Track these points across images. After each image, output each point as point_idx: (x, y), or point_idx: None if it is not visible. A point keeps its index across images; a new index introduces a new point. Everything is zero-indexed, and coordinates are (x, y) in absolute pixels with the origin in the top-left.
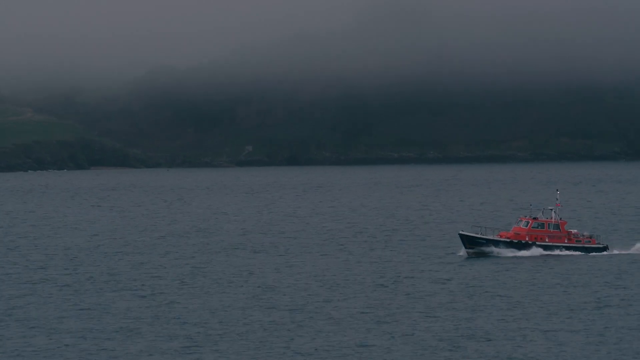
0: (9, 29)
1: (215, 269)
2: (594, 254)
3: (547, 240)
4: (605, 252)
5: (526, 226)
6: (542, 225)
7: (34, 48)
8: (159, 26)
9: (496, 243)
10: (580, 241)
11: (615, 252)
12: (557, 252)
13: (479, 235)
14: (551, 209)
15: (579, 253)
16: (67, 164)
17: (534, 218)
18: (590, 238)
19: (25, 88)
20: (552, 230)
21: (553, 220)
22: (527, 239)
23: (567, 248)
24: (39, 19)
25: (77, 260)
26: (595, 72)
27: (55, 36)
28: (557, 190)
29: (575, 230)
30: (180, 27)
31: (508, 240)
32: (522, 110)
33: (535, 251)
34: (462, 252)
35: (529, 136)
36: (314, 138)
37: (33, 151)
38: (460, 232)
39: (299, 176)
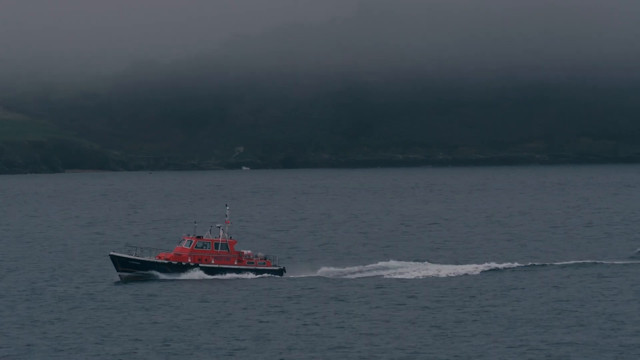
0: None
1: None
2: (268, 276)
3: (213, 261)
4: (282, 275)
5: (189, 246)
6: (207, 244)
7: (3, 40)
8: (142, 16)
9: (152, 265)
10: (253, 263)
11: (296, 275)
12: (224, 275)
13: (133, 257)
14: (219, 227)
15: (251, 276)
16: (41, 167)
17: (198, 237)
18: (265, 260)
19: None
20: (219, 250)
21: (221, 239)
22: (189, 260)
23: (237, 270)
24: (9, 9)
25: None
26: (619, 68)
27: (28, 27)
28: (226, 205)
29: (249, 251)
30: (165, 17)
31: (166, 262)
32: (538, 108)
33: (198, 274)
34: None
35: (546, 136)
36: (311, 139)
37: (3, 153)
38: (112, 253)
39: (294, 179)
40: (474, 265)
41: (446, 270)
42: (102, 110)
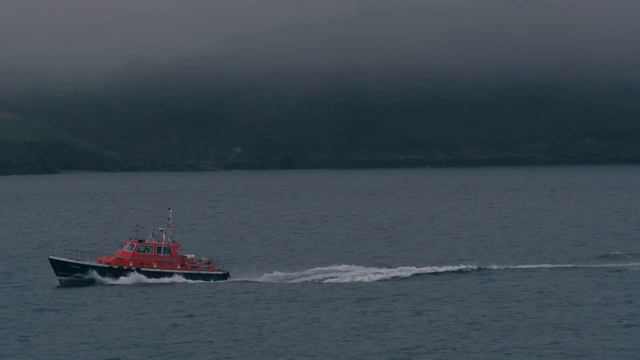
0: None
1: None
2: (212, 281)
3: (155, 265)
4: (226, 280)
5: (130, 250)
6: (149, 248)
7: None
8: (138, 14)
9: (93, 269)
10: (196, 267)
11: (239, 279)
12: (166, 279)
13: (72, 260)
14: (162, 230)
15: (194, 280)
16: (35, 168)
17: (140, 241)
18: (209, 264)
19: None
20: (161, 254)
21: (163, 243)
22: (130, 264)
23: (179, 275)
24: (2, 8)
25: None
26: (622, 67)
27: (22, 25)
28: (169, 208)
29: (192, 255)
30: (162, 15)
31: (107, 266)
32: (540, 108)
33: (139, 278)
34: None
35: (549, 136)
36: (310, 139)
37: None
38: (51, 257)
39: (293, 180)
40: (422, 268)
41: (394, 273)
42: (97, 110)
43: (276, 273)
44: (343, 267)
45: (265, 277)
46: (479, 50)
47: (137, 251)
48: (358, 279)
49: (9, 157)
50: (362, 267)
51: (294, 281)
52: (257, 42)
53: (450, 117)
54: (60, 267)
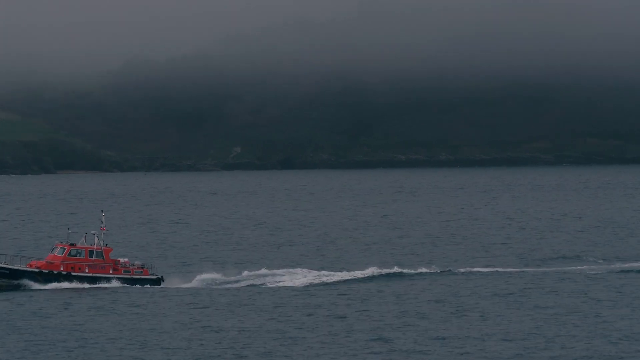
0: None
1: None
2: (146, 286)
3: (87, 270)
4: (160, 285)
5: (62, 254)
6: (80, 252)
7: None
8: (136, 12)
9: (22, 274)
10: (129, 271)
11: (174, 285)
12: (97, 283)
13: (1, 265)
14: (94, 234)
15: (128, 285)
16: (32, 168)
17: (72, 244)
18: (142, 268)
19: None
20: (93, 258)
21: (95, 247)
22: (61, 268)
23: (111, 279)
24: (0, 6)
25: None
26: (626, 66)
27: (19, 24)
28: (102, 211)
29: (125, 259)
30: (160, 13)
31: (37, 270)
32: (543, 107)
33: (71, 283)
34: None
35: (551, 136)
36: (310, 139)
37: None
38: None
39: (293, 180)
40: (352, 273)
41: (324, 277)
42: (95, 110)
43: (211, 276)
44: (263, 271)
45: (197, 281)
46: (480, 50)
47: (69, 255)
48: (287, 283)
49: (5, 157)
50: (291, 269)
51: (227, 286)
52: (256, 41)
53: (451, 117)
54: None
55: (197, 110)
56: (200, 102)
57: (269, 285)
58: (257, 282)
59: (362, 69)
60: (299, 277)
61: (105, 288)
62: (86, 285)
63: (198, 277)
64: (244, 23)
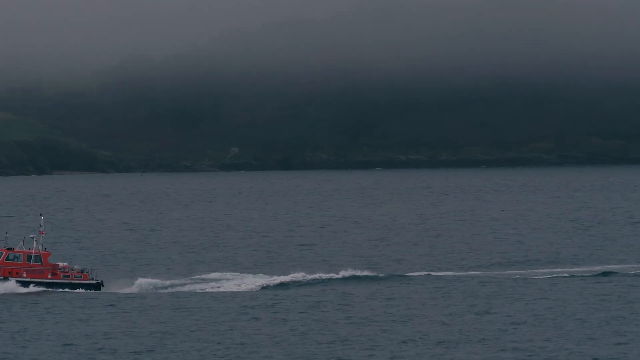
0: None
1: None
2: (84, 291)
3: (24, 274)
4: (99, 290)
5: None
6: (18, 257)
7: None
8: (132, 9)
9: None
10: (68, 276)
11: (114, 289)
12: (35, 288)
13: None
14: (33, 238)
15: (66, 290)
16: (26, 168)
17: (9, 248)
18: (82, 273)
19: None
20: (31, 263)
21: (34, 251)
22: None
23: (50, 284)
24: None
25: None
26: (630, 66)
27: (12, 21)
28: (40, 215)
29: (65, 264)
30: (156, 11)
31: None
32: (547, 106)
33: (6, 288)
34: None
35: (555, 136)
36: (310, 138)
37: None
38: None
39: (291, 181)
40: (292, 275)
41: (261, 281)
42: (90, 109)
43: (151, 281)
44: (215, 274)
45: (137, 286)
46: (482, 49)
47: (6, 259)
48: (231, 288)
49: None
50: (240, 273)
51: (167, 290)
52: (254, 39)
53: (453, 116)
54: None
55: (194, 110)
56: (197, 101)
57: (210, 289)
58: (201, 287)
59: (362, 68)
60: (246, 282)
61: (42, 293)
62: (23, 290)
63: (138, 282)
64: (242, 21)
